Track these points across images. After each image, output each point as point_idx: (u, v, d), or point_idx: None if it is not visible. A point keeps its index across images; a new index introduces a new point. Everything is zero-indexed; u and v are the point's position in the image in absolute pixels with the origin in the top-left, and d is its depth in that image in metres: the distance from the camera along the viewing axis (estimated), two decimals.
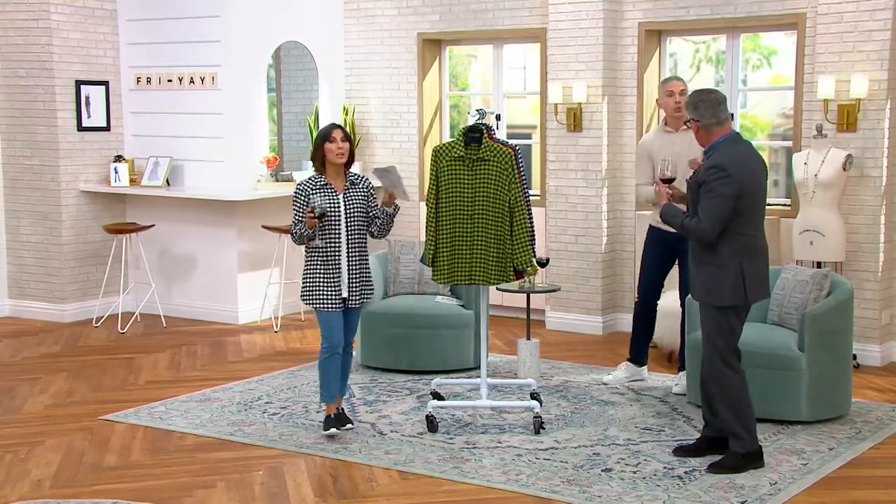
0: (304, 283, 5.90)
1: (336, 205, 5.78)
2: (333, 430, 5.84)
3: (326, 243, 5.80)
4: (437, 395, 6.45)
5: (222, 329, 8.83)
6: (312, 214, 5.63)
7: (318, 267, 5.82)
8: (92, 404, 6.60)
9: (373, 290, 6.02)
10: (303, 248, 5.96)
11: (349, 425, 5.92)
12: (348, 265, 5.82)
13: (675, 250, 6.55)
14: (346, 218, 5.80)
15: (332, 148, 5.77)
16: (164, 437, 5.93)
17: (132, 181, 9.22)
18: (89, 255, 9.26)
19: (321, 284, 5.82)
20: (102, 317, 9.05)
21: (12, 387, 7.02)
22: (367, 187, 5.94)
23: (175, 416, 6.29)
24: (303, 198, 5.78)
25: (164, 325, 8.91)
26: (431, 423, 5.95)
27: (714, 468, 5.29)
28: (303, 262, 5.98)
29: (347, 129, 9.51)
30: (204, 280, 9.17)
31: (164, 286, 9.31)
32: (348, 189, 5.85)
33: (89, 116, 9.20)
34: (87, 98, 9.17)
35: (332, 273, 5.81)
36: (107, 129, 9.35)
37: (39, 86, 9.03)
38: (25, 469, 5.41)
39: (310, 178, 5.87)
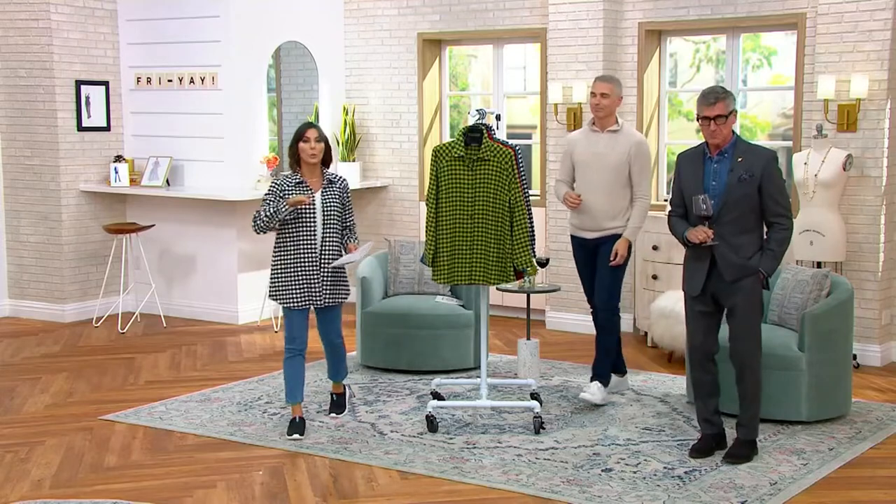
0: (272, 281, 5.85)
1: (311, 203, 5.77)
2: (297, 435, 5.77)
3: (300, 241, 5.77)
4: (437, 395, 6.45)
5: (222, 329, 8.83)
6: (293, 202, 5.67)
7: (290, 265, 5.80)
8: (92, 404, 6.60)
9: (348, 290, 6.00)
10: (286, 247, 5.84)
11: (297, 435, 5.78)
12: (321, 263, 5.80)
13: (595, 254, 6.43)
14: (323, 215, 5.80)
15: (305, 148, 5.77)
16: (164, 437, 5.93)
17: (132, 181, 9.22)
18: (89, 255, 9.26)
19: (291, 283, 5.79)
20: (102, 317, 9.05)
21: (12, 387, 7.02)
22: (343, 188, 5.93)
23: (175, 416, 6.29)
24: (276, 194, 5.76)
25: (164, 325, 8.91)
26: (431, 423, 5.95)
27: (731, 459, 5.39)
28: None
29: (347, 129, 9.54)
30: (204, 280, 9.17)
31: (164, 286, 9.31)
32: (326, 188, 5.85)
33: (89, 116, 9.20)
34: (87, 98, 9.17)
35: (305, 271, 5.78)
36: (107, 129, 9.35)
37: (39, 86, 9.03)
38: (25, 469, 5.40)
39: (286, 175, 5.87)
